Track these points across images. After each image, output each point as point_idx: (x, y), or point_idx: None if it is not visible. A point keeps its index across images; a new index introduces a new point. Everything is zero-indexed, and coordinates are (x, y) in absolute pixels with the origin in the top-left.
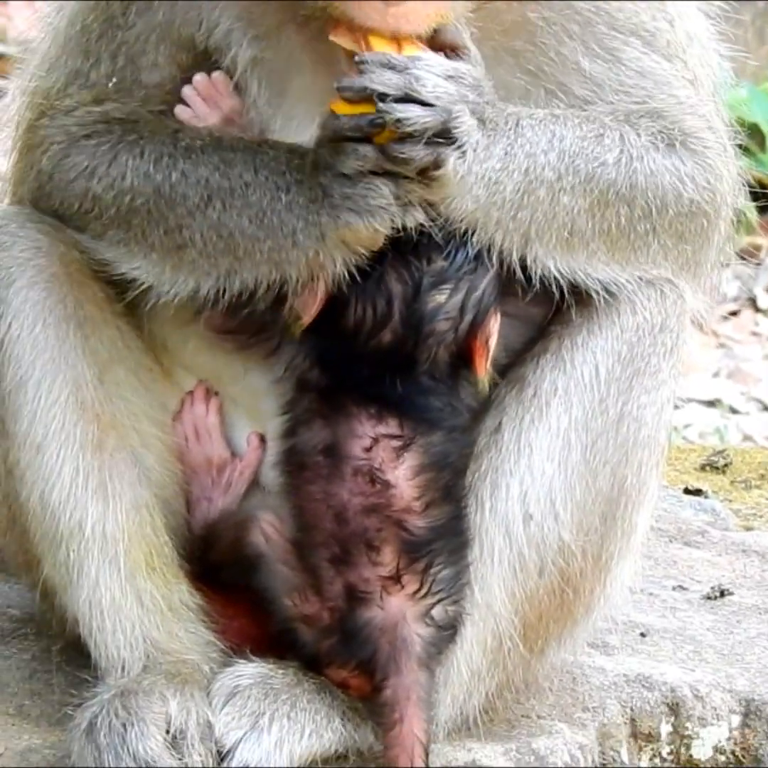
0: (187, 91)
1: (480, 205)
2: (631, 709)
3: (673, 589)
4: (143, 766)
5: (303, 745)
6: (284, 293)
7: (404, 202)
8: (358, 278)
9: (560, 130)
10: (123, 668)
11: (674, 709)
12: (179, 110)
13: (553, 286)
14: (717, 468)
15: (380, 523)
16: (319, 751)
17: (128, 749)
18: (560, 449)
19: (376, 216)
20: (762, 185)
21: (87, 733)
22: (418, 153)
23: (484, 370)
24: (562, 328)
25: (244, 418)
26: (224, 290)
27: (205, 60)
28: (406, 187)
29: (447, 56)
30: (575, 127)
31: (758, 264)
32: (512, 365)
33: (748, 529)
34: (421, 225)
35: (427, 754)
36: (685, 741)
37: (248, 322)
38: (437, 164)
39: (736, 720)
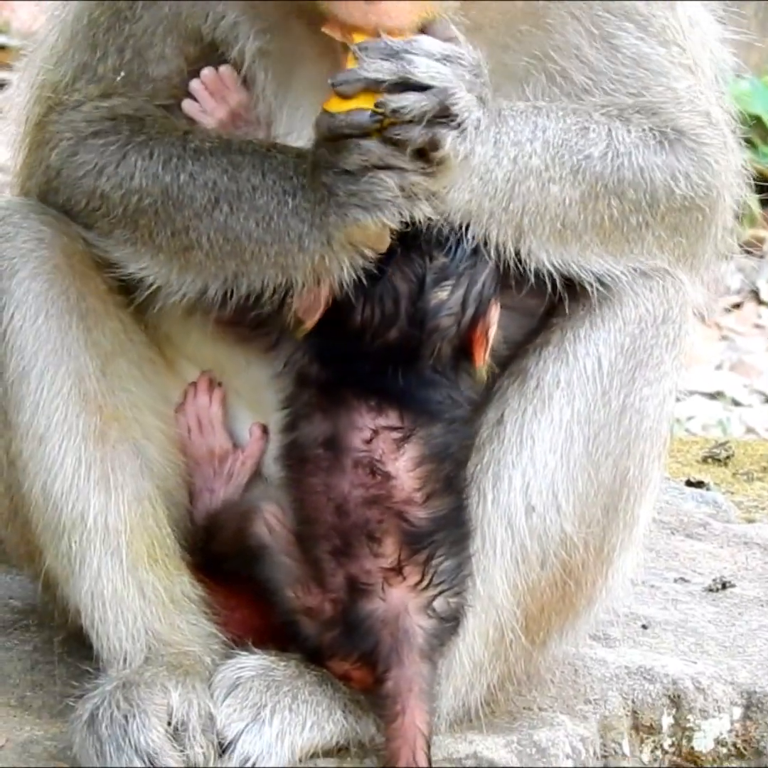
0: (194, 84)
1: (474, 195)
2: (633, 702)
3: (675, 581)
4: (145, 757)
5: (304, 737)
6: (286, 294)
7: (410, 194)
8: (363, 280)
9: (542, 121)
10: (125, 660)
11: (676, 701)
12: (187, 104)
13: (547, 279)
14: (719, 460)
15: (381, 515)
16: (320, 743)
17: (130, 741)
18: (562, 441)
19: (384, 210)
20: (765, 178)
21: (89, 725)
22: (415, 133)
23: (482, 359)
24: (565, 320)
25: (247, 409)
26: (231, 292)
27: (213, 52)
28: (411, 179)
29: None
30: (558, 120)
31: (761, 256)
32: (514, 357)
33: (750, 521)
34: (421, 223)
35: (429, 747)
36: (687, 733)
37: (248, 314)
38: (434, 144)
39: (737, 712)
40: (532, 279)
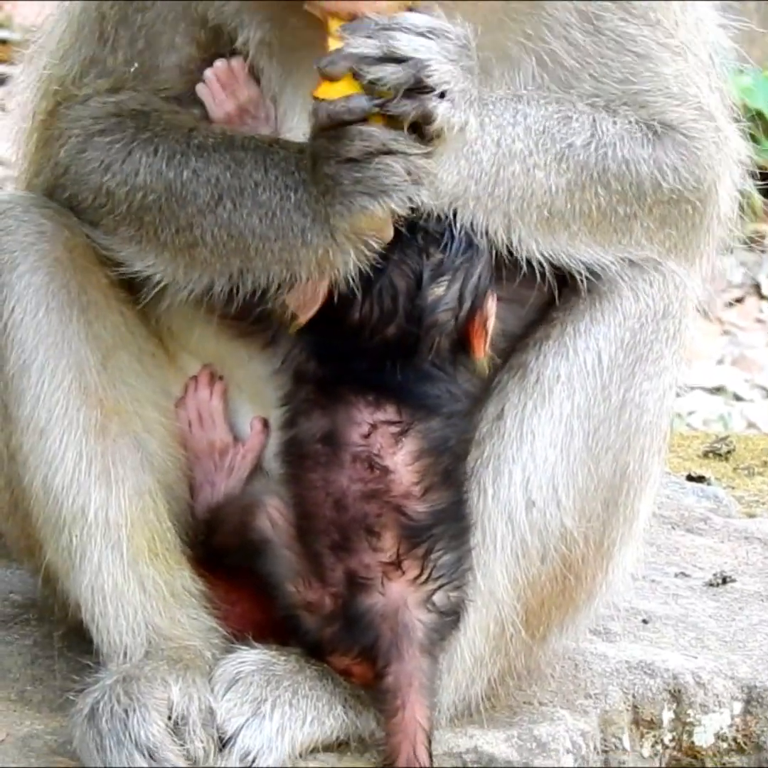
0: (208, 73)
1: (461, 178)
2: (633, 696)
3: (676, 575)
4: (145, 751)
5: (305, 731)
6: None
7: (415, 177)
8: (362, 276)
9: (523, 108)
10: (125, 654)
11: (676, 696)
12: (199, 88)
13: (537, 269)
14: (720, 455)
15: (380, 509)
16: (320, 737)
17: (130, 735)
18: (562, 436)
19: (392, 195)
20: (766, 172)
21: (89, 719)
22: (406, 107)
23: (483, 352)
24: (565, 314)
25: (248, 403)
26: (237, 288)
27: (220, 37)
28: (415, 163)
29: None
30: (539, 107)
31: (763, 251)
32: (514, 351)
33: (751, 516)
34: (418, 215)
35: (429, 741)
36: (687, 728)
37: (249, 311)
38: (427, 116)
39: (737, 707)
40: (525, 268)
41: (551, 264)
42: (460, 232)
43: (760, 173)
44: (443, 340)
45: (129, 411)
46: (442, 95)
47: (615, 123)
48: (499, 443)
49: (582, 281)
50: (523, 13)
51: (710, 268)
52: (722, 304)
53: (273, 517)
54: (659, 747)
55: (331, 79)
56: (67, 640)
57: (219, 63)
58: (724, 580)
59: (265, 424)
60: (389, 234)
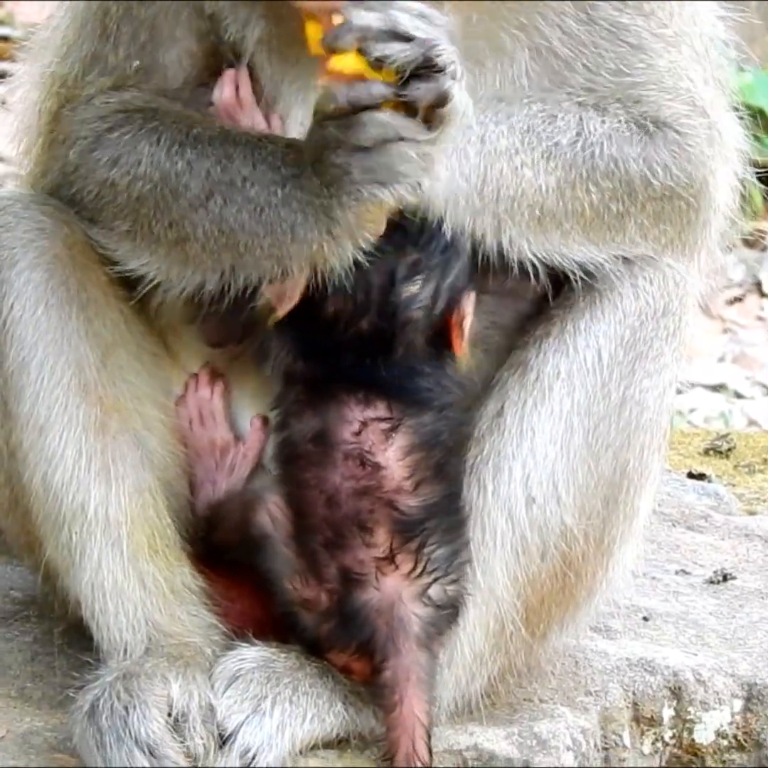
0: (216, 98)
1: (451, 173)
2: (634, 693)
3: (676, 573)
4: (145, 748)
5: (305, 729)
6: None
7: (423, 165)
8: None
9: (506, 107)
10: (125, 651)
11: (676, 693)
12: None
13: (530, 269)
14: (720, 452)
15: (372, 505)
16: (320, 735)
17: (130, 732)
18: (562, 433)
19: (402, 182)
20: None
21: (89, 716)
22: (421, 91)
23: (460, 349)
24: (565, 312)
25: (249, 401)
26: (229, 285)
27: (219, 30)
28: (424, 149)
29: None
30: (523, 106)
31: (764, 249)
32: (514, 348)
33: (751, 513)
34: (396, 217)
35: (429, 736)
36: (688, 725)
37: (233, 329)
38: (443, 98)
39: (738, 704)
40: (516, 268)
41: (544, 264)
42: (439, 231)
43: (758, 174)
44: (418, 336)
45: (129, 408)
46: (452, 75)
47: (603, 122)
48: (499, 440)
49: (576, 281)
50: (516, 1)
51: (712, 261)
52: (723, 302)
53: (273, 513)
54: (659, 744)
55: (340, 52)
56: (67, 636)
57: (227, 89)
58: (725, 578)
59: (265, 421)
60: (383, 226)
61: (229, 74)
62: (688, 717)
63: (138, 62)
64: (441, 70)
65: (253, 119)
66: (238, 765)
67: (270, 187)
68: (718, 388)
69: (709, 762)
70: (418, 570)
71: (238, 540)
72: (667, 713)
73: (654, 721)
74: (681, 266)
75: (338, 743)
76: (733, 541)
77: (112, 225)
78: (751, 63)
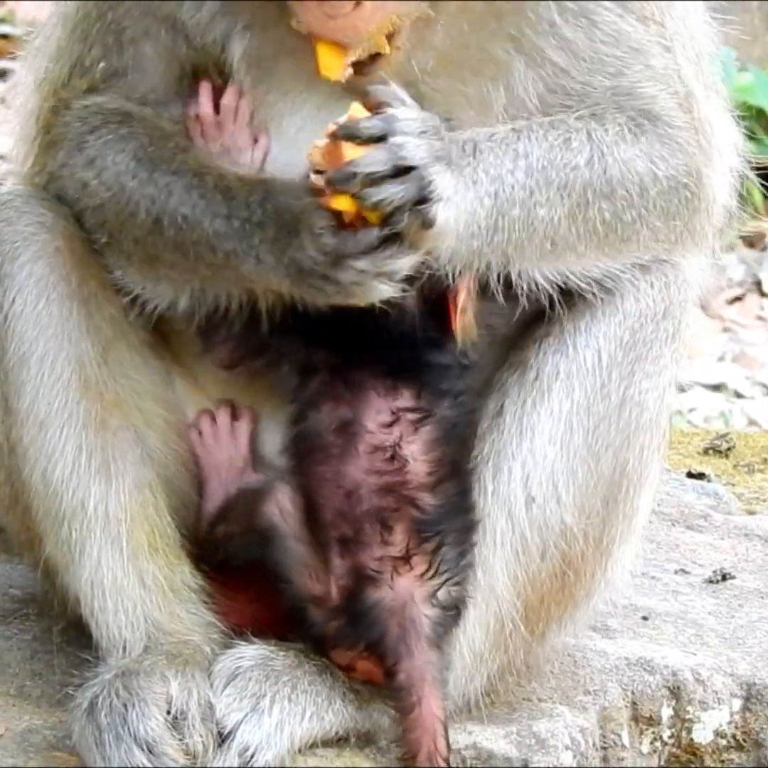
0: (193, 112)
1: (458, 237)
2: (633, 693)
3: (675, 572)
4: (144, 746)
5: (304, 727)
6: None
7: (386, 274)
8: None
9: (524, 146)
10: (124, 649)
11: (675, 692)
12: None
13: (538, 289)
14: (720, 452)
15: (396, 503)
16: (319, 733)
17: (129, 730)
18: (562, 432)
19: (352, 295)
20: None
21: (88, 714)
22: (406, 223)
23: (455, 324)
24: (565, 312)
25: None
26: (200, 304)
27: (195, 33)
28: (399, 264)
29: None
30: (541, 140)
31: (764, 248)
32: (513, 348)
33: (751, 513)
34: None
35: (447, 733)
36: (686, 725)
37: (250, 348)
38: (427, 224)
39: (737, 704)
40: (525, 288)
41: (555, 284)
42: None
43: (758, 174)
44: (415, 309)
45: (129, 404)
46: (440, 200)
47: (607, 131)
48: (498, 439)
49: (594, 291)
50: (506, 12)
51: (711, 255)
52: (723, 302)
53: (282, 504)
54: (658, 744)
55: (340, 193)
56: (67, 634)
57: (204, 104)
58: (724, 577)
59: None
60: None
61: (205, 87)
62: (687, 716)
63: (104, 64)
64: (434, 197)
65: (234, 138)
66: (236, 763)
67: (234, 238)
68: (717, 387)
69: (708, 761)
70: (432, 572)
71: (244, 532)
72: (666, 713)
73: (653, 721)
74: (684, 261)
75: (337, 741)
76: (732, 541)
77: (94, 236)
78: (751, 63)
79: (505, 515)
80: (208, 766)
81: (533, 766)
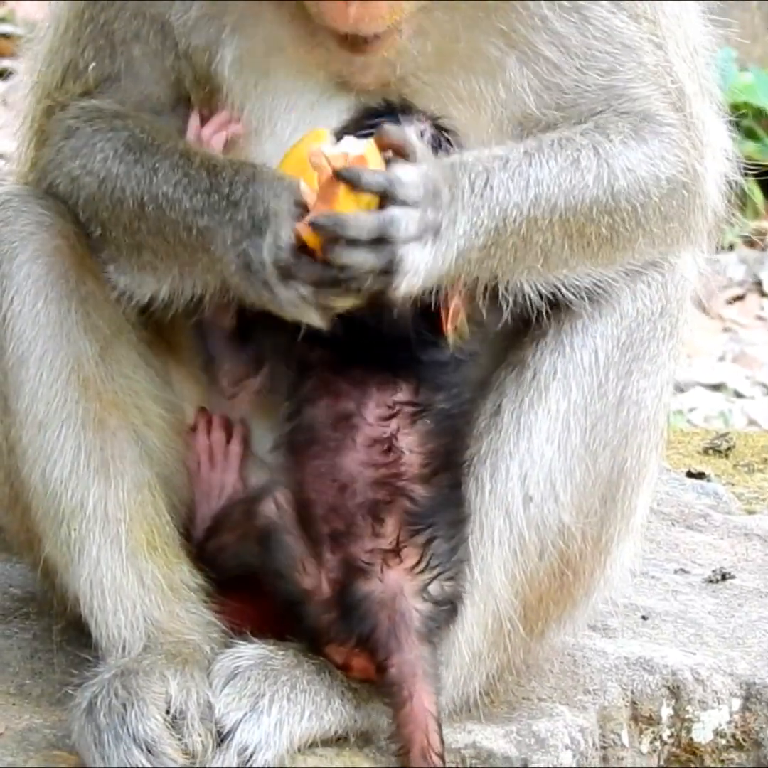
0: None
1: (445, 265)
2: (632, 692)
3: (675, 572)
4: (143, 745)
5: (303, 726)
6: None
7: (324, 307)
8: None
9: (535, 174)
10: (124, 648)
11: (675, 692)
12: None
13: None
14: (720, 451)
15: (389, 495)
16: (318, 732)
17: (128, 729)
18: (560, 432)
19: (282, 310)
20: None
21: (87, 713)
22: (367, 283)
23: (447, 327)
24: (562, 312)
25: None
26: (179, 294)
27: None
28: (335, 302)
29: (392, 156)
30: (552, 163)
31: (764, 248)
32: (511, 348)
33: (751, 512)
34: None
35: (440, 728)
36: (686, 724)
37: (249, 364)
38: (388, 289)
39: (736, 703)
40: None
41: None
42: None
43: (759, 174)
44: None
45: (128, 404)
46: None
47: (612, 141)
48: (496, 439)
49: (583, 298)
50: (495, 8)
51: (707, 253)
52: (723, 301)
53: (279, 502)
54: (658, 743)
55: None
56: (66, 634)
57: (192, 134)
58: (724, 577)
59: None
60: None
61: (193, 118)
62: (687, 716)
63: (95, 65)
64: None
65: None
66: (236, 763)
67: (209, 213)
68: (717, 387)
69: (708, 761)
70: (422, 565)
71: (238, 540)
72: (666, 712)
73: (652, 720)
74: (681, 261)
75: (336, 741)
76: (732, 541)
77: (88, 230)
78: (751, 63)
79: (503, 514)
80: (208, 765)
81: (533, 765)
